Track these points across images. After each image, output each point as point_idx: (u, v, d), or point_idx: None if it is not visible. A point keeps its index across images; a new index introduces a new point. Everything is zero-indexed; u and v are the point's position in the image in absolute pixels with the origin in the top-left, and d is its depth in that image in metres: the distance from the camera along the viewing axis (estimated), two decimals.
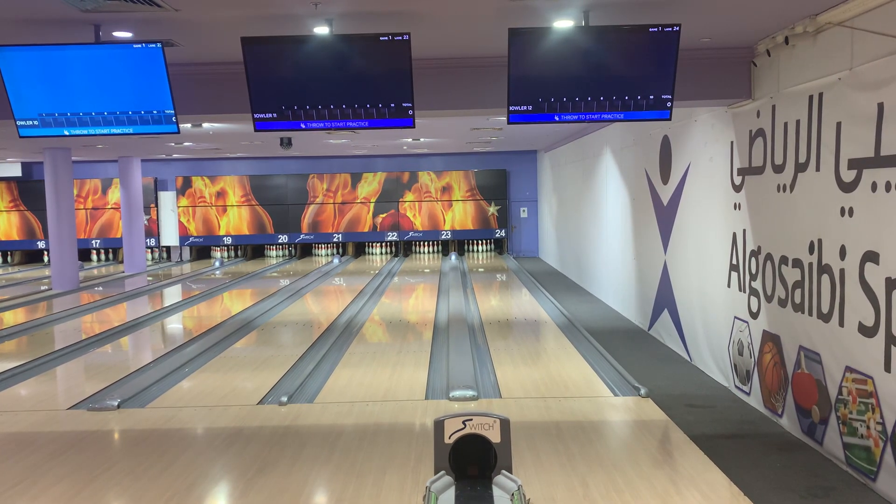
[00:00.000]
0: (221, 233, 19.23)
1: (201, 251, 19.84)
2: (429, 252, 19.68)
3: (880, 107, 4.29)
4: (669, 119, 5.42)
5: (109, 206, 19.10)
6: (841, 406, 4.75)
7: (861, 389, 4.52)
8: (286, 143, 13.24)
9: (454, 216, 19.10)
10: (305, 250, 19.96)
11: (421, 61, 5.80)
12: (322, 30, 5.29)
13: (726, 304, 6.64)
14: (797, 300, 5.32)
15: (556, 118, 5.38)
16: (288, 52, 5.27)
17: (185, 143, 14.13)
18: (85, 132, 5.63)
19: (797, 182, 5.30)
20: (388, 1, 4.79)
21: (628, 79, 5.28)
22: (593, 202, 12.31)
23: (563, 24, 5.20)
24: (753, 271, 6.08)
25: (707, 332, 7.16)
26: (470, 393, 5.89)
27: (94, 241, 19.22)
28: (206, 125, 10.89)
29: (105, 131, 5.62)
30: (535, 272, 15.38)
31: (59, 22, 5.11)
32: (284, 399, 5.88)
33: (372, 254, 19.72)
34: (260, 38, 5.24)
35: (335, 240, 19.21)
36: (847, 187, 4.63)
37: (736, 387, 6.52)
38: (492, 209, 19.05)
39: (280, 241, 19.23)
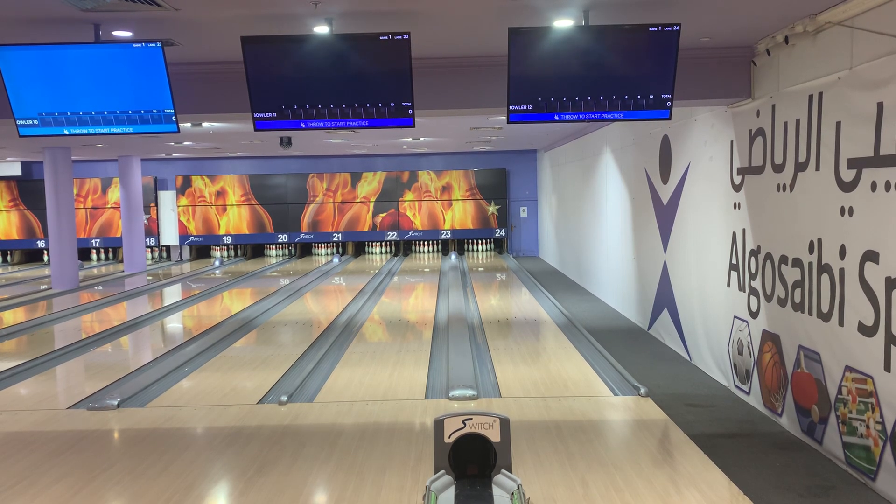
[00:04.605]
0: (221, 232, 19.23)
1: (201, 250, 19.84)
2: (428, 251, 19.68)
3: (880, 106, 4.29)
4: (669, 118, 5.42)
5: (109, 206, 19.10)
6: (840, 405, 4.75)
7: (861, 389, 4.52)
8: (286, 142, 13.24)
9: (454, 215, 19.10)
10: (305, 249, 19.96)
11: (421, 60, 5.80)
12: (322, 29, 5.29)
13: (726, 304, 6.64)
14: (797, 300, 5.32)
15: (556, 117, 5.38)
16: (288, 51, 5.27)
17: (185, 143, 14.13)
18: (85, 131, 5.63)
19: (797, 181, 5.30)
20: (388, 0, 4.79)
21: (628, 78, 5.28)
22: (593, 201, 12.31)
23: (563, 23, 5.20)
24: (753, 271, 6.08)
25: (707, 331, 7.16)
26: (470, 392, 5.89)
27: (93, 241, 19.22)
28: (205, 124, 10.89)
29: (105, 131, 5.62)
30: (535, 271, 15.39)
31: (59, 21, 5.11)
32: (284, 398, 5.88)
33: (372, 253, 19.72)
34: (260, 37, 5.24)
35: (335, 239, 19.21)
36: (847, 187, 4.64)
37: (736, 386, 6.52)
38: (491, 208, 19.05)
39: (280, 240, 19.22)
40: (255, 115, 5.49)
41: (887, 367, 4.24)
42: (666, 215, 8.24)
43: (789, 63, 5.53)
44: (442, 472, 3.20)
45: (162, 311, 11.08)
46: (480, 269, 15.91)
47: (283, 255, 19.79)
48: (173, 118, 5.62)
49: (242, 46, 5.23)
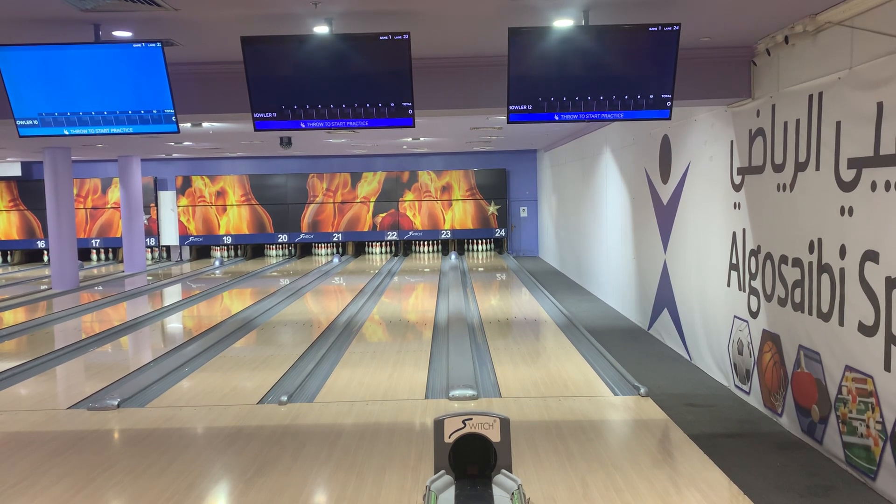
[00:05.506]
0: (221, 232, 19.23)
1: (201, 251, 19.84)
2: (429, 251, 19.68)
3: (880, 106, 4.29)
4: (669, 118, 5.42)
5: (109, 206, 19.10)
6: (840, 405, 4.75)
7: (861, 388, 4.52)
8: (286, 142, 13.24)
9: (454, 215, 19.10)
10: (305, 250, 19.96)
11: (421, 61, 5.80)
12: (322, 29, 5.29)
13: (726, 304, 6.64)
14: (797, 299, 5.32)
15: (556, 117, 5.38)
16: (288, 51, 5.27)
17: (185, 143, 14.13)
18: (85, 132, 5.63)
19: (797, 181, 5.30)
20: (388, 0, 4.79)
21: (628, 78, 5.28)
22: (593, 201, 12.31)
23: (563, 23, 5.20)
24: (753, 270, 6.08)
25: (707, 331, 7.16)
26: (470, 392, 5.89)
27: (93, 241, 19.21)
28: (205, 124, 10.89)
29: (105, 131, 5.62)
30: (535, 271, 15.39)
31: (59, 21, 5.11)
32: (284, 398, 5.88)
33: (372, 253, 19.71)
34: (260, 37, 5.24)
35: (335, 239, 19.20)
36: (847, 186, 4.64)
37: (736, 386, 6.52)
38: (491, 208, 19.05)
39: (280, 240, 19.22)
40: (255, 115, 5.49)
41: (887, 367, 4.24)
42: (666, 215, 8.24)
43: (789, 63, 5.53)
44: (442, 472, 3.20)
45: (162, 311, 11.08)
46: (480, 269, 15.91)
47: (283, 255, 19.79)
48: (173, 118, 5.62)
49: (242, 46, 5.23)
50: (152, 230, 19.16)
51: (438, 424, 3.22)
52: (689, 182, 7.55)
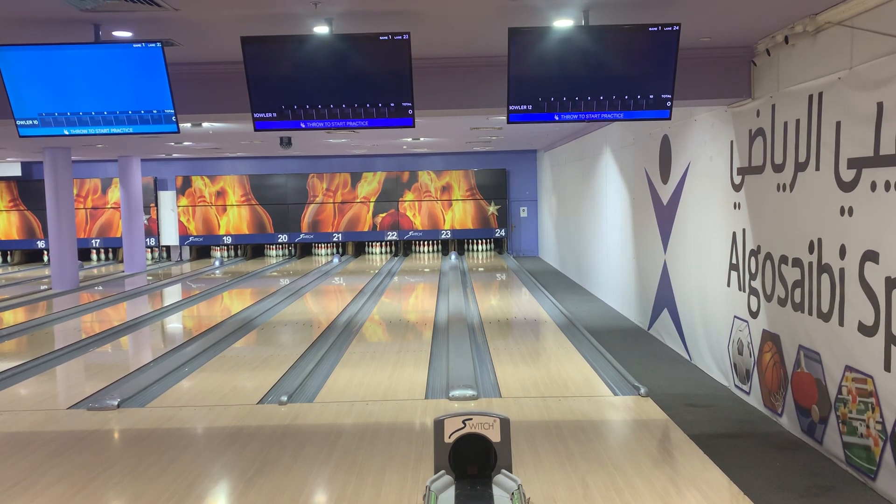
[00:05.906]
0: (221, 232, 19.23)
1: (201, 251, 19.83)
2: (429, 251, 19.67)
3: (880, 106, 4.29)
4: (669, 118, 5.42)
5: (109, 206, 19.09)
6: (840, 405, 4.75)
7: (861, 389, 4.52)
8: (286, 142, 13.24)
9: (454, 216, 19.09)
10: (305, 250, 19.96)
11: (421, 61, 5.80)
12: (322, 29, 5.29)
13: (726, 304, 6.64)
14: (797, 299, 5.32)
15: (556, 118, 5.38)
16: (288, 51, 5.27)
17: (185, 143, 14.13)
18: (85, 132, 5.63)
19: (797, 181, 5.30)
20: (388, 0, 4.79)
21: (628, 78, 5.28)
22: (593, 201, 12.31)
23: (563, 23, 5.20)
24: (753, 271, 6.08)
25: (707, 331, 7.16)
26: (470, 392, 5.89)
27: (93, 241, 19.21)
28: (205, 124, 10.89)
29: (105, 131, 5.62)
30: (535, 271, 15.39)
31: (59, 21, 5.11)
32: (284, 398, 5.88)
33: (372, 253, 19.71)
34: (260, 37, 5.24)
35: (335, 239, 19.21)
36: (847, 187, 4.64)
37: (736, 386, 6.52)
38: (491, 208, 19.05)
39: (280, 240, 19.22)
40: (255, 115, 5.49)
41: (887, 367, 4.25)
42: (666, 215, 8.24)
43: (789, 63, 5.53)
44: (442, 472, 3.20)
45: (162, 311, 11.08)
46: (480, 269, 15.91)
47: (283, 255, 19.79)
48: (173, 118, 5.62)
49: (242, 46, 5.23)
50: (152, 230, 19.16)
51: (438, 424, 3.22)
52: (689, 182, 7.56)
